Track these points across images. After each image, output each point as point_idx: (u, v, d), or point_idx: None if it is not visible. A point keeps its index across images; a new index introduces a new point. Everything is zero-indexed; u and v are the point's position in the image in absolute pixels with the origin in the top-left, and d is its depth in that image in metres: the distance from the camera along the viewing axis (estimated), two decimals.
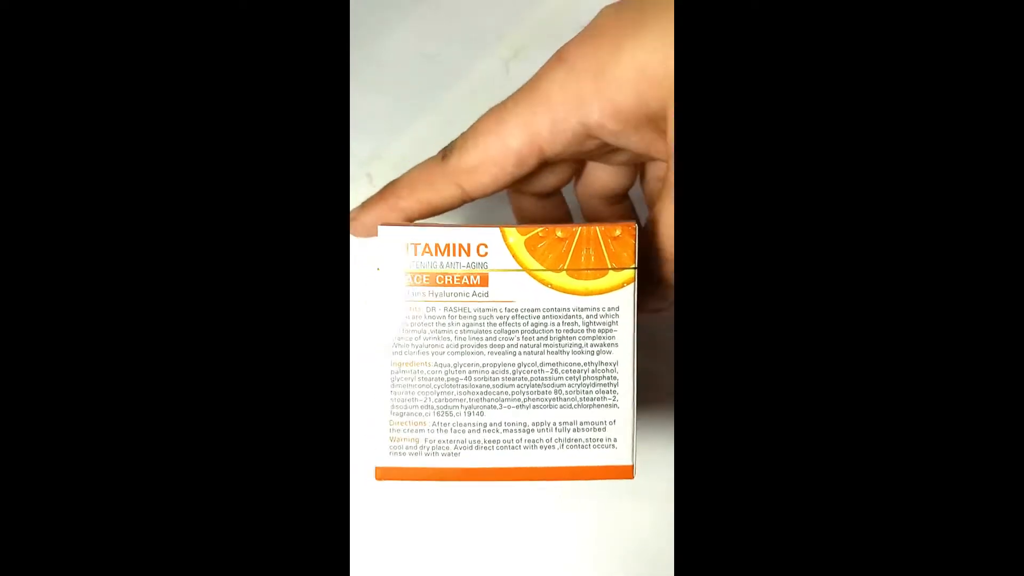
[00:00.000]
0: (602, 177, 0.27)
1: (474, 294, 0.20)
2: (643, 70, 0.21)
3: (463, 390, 0.20)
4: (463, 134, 0.24)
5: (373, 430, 0.20)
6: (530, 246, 0.20)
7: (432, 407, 0.20)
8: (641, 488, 0.31)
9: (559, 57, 0.22)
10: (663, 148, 0.22)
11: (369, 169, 0.34)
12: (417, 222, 0.23)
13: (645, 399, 0.32)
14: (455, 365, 0.20)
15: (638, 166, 0.28)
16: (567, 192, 0.28)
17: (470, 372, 0.20)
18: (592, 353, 0.20)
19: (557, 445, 0.20)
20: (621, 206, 0.29)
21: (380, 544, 0.31)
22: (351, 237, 0.26)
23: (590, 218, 0.29)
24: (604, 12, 0.22)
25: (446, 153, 0.24)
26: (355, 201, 0.29)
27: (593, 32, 0.22)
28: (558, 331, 0.20)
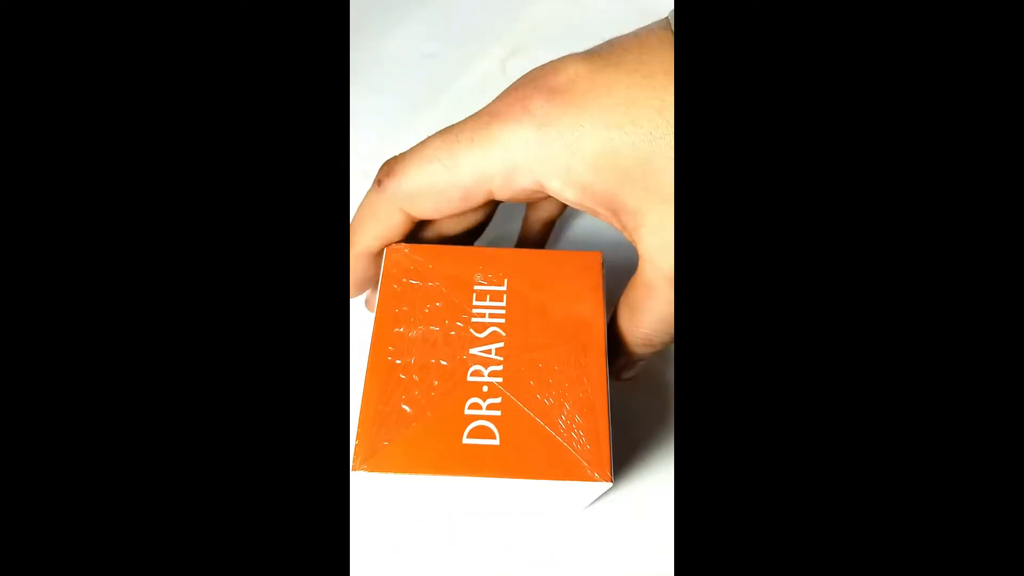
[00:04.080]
0: (547, 207, 0.28)
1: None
2: (617, 163, 0.20)
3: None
4: (398, 156, 0.23)
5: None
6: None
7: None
8: (642, 506, 0.31)
9: (526, 109, 0.20)
10: (616, 223, 0.22)
11: (369, 167, 0.35)
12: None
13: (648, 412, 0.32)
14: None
15: None
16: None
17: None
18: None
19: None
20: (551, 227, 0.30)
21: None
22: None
23: (526, 233, 0.30)
24: (579, 73, 0.20)
25: (380, 178, 0.23)
26: (355, 200, 0.29)
27: (568, 95, 0.20)
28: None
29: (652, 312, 0.22)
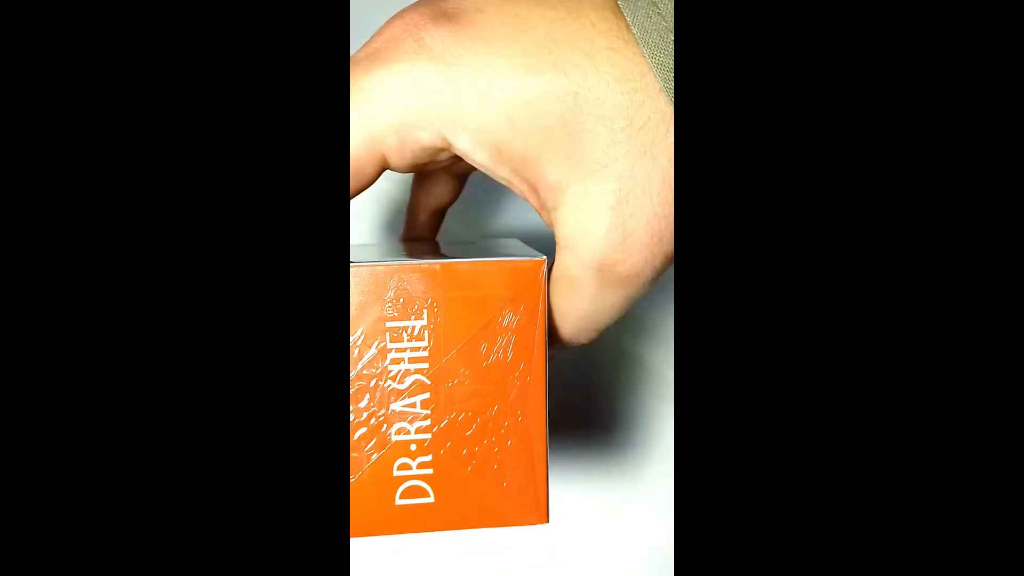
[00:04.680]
0: (437, 191, 0.23)
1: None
2: (536, 118, 0.16)
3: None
4: None
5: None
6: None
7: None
8: (643, 496, 0.31)
9: (419, 43, 0.16)
10: (535, 201, 0.18)
11: None
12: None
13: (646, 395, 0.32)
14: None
15: (462, 178, 0.24)
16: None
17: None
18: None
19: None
20: (439, 218, 0.25)
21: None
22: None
23: (413, 226, 0.26)
24: (487, 8, 0.16)
25: None
26: (355, 202, 0.29)
27: (475, 27, 0.16)
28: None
29: (577, 310, 0.19)
